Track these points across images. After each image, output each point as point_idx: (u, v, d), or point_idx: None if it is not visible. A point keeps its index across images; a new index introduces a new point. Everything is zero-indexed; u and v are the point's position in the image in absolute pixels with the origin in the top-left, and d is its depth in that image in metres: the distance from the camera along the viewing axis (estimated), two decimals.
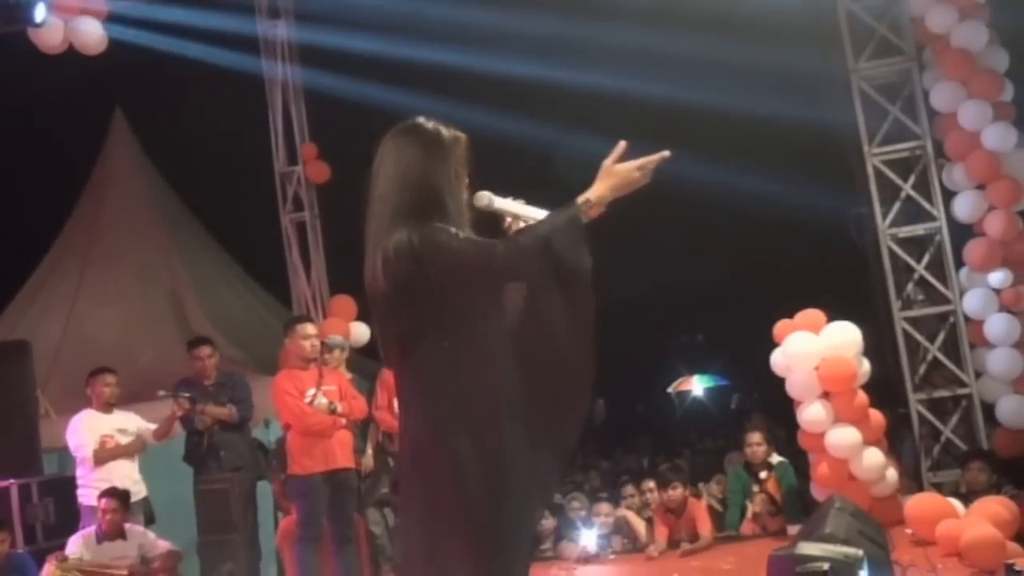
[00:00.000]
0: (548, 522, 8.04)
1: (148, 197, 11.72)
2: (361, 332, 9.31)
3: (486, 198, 3.20)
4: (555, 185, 3.23)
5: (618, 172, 2.99)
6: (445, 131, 3.20)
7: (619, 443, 13.71)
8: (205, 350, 7.87)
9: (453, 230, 3.00)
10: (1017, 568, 5.15)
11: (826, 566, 4.22)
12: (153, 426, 7.74)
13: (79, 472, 7.57)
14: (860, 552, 4.31)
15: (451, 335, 3.00)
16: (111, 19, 8.13)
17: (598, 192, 2.97)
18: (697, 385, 21.56)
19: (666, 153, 2.98)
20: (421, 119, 3.23)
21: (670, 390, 21.41)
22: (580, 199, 2.97)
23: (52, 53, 8.03)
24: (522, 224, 3.15)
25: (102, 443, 7.50)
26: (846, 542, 4.40)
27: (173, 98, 11.69)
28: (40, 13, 7.56)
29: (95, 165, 11.93)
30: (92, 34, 8.01)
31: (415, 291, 3.00)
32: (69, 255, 11.54)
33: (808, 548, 4.39)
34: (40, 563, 6.80)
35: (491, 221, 3.25)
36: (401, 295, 3.02)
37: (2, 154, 11.58)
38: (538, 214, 3.17)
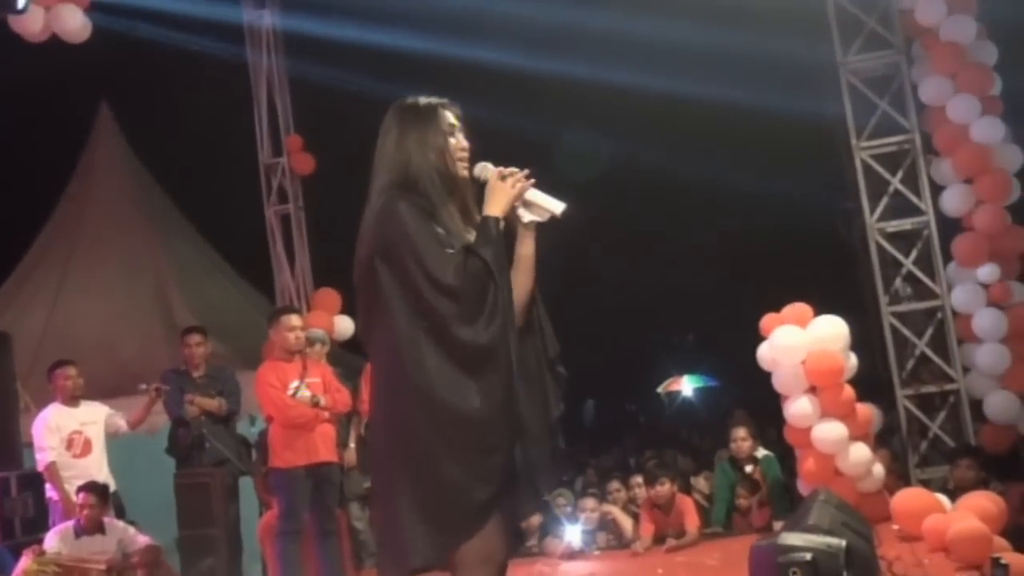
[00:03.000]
0: (533, 518, 7.96)
1: (133, 190, 11.66)
2: (345, 326, 9.23)
3: (484, 169, 3.17)
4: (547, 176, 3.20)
5: (502, 186, 3.08)
6: (422, 101, 3.18)
7: (608, 442, 13.66)
8: (196, 338, 7.89)
9: (415, 222, 2.97)
10: (1003, 561, 5.09)
11: (808, 556, 4.16)
12: (122, 417, 7.67)
13: None
14: (843, 543, 4.24)
15: (407, 313, 2.97)
16: (93, 7, 8.03)
17: (500, 207, 3.07)
18: (687, 385, 21.48)
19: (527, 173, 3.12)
20: (410, 96, 3.21)
21: (660, 390, 21.34)
22: (490, 216, 3.06)
23: (35, 42, 7.93)
24: (518, 204, 3.14)
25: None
26: (830, 533, 4.33)
27: (157, 88, 11.61)
28: (22, 0, 7.46)
29: (80, 157, 11.86)
30: (74, 22, 7.90)
31: (375, 267, 3.00)
32: (53, 248, 11.47)
33: (791, 539, 4.32)
34: (17, 557, 6.71)
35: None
36: (367, 268, 3.02)
37: None
38: (534, 194, 3.14)
